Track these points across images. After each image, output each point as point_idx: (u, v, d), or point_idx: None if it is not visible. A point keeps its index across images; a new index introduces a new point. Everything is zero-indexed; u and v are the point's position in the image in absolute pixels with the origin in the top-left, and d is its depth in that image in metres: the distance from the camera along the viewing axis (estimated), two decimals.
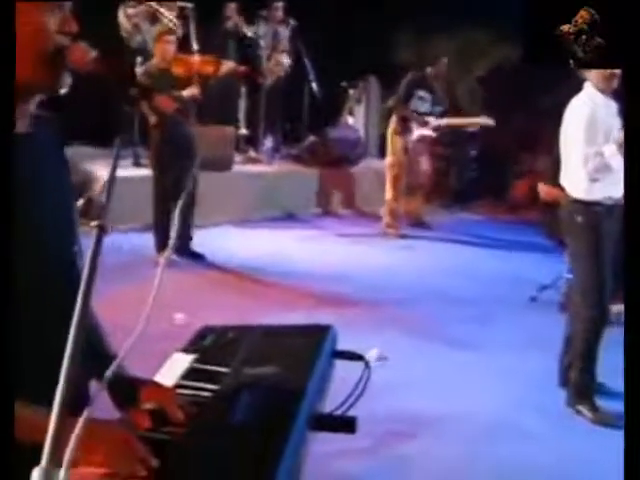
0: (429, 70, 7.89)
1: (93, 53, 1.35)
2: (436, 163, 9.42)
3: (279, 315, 5.19)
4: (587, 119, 3.88)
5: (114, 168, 1.26)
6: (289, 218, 8.08)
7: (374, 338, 4.81)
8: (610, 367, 4.23)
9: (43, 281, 1.40)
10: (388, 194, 7.81)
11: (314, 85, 8.88)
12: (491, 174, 9.54)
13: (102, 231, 1.16)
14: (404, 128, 7.72)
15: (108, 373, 1.20)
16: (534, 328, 5.22)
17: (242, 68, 7.38)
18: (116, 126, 1.44)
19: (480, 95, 10.89)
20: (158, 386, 1.63)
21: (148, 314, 1.25)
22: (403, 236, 7.75)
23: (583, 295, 4.06)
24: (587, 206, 3.99)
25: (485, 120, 8.05)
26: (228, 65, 6.60)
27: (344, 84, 9.38)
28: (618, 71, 3.90)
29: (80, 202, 6.80)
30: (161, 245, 6.29)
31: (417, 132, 7.76)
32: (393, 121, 7.81)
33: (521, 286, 6.03)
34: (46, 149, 1.48)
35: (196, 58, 6.16)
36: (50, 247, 1.44)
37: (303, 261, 6.68)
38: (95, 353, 1.58)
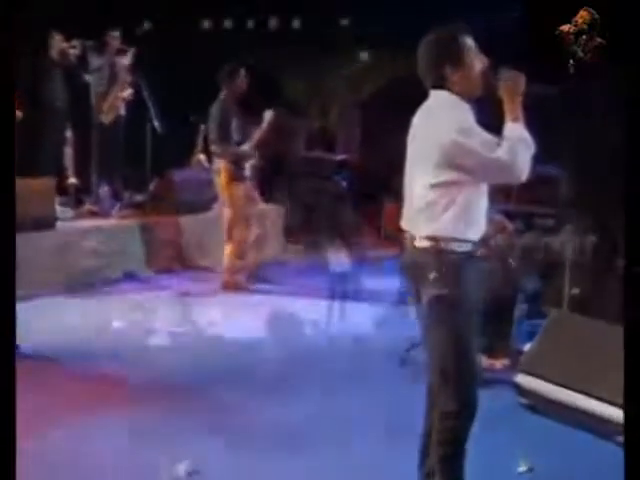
0: (224, 92, 6.66)
1: None
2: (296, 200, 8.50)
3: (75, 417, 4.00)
4: (465, 124, 2.84)
5: None
6: (127, 279, 6.84)
7: (189, 443, 3.72)
8: (484, 461, 3.29)
9: None
10: (229, 249, 6.62)
11: (155, 122, 7.76)
12: (365, 205, 8.68)
13: None
14: (239, 170, 6.55)
15: None
16: (401, 403, 4.18)
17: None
18: None
19: (358, 120, 10.32)
20: None
21: None
22: (251, 290, 6.66)
23: (442, 378, 2.96)
24: (441, 255, 2.88)
25: (272, 114, 6.69)
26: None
27: (193, 118, 8.23)
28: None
29: None
30: None
31: (248, 168, 6.66)
32: (222, 168, 6.55)
33: (393, 343, 5.04)
34: None
35: None
36: None
37: (128, 337, 5.44)
38: None
